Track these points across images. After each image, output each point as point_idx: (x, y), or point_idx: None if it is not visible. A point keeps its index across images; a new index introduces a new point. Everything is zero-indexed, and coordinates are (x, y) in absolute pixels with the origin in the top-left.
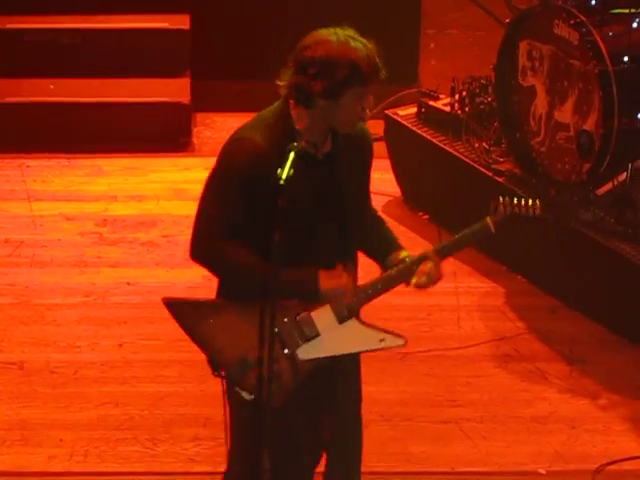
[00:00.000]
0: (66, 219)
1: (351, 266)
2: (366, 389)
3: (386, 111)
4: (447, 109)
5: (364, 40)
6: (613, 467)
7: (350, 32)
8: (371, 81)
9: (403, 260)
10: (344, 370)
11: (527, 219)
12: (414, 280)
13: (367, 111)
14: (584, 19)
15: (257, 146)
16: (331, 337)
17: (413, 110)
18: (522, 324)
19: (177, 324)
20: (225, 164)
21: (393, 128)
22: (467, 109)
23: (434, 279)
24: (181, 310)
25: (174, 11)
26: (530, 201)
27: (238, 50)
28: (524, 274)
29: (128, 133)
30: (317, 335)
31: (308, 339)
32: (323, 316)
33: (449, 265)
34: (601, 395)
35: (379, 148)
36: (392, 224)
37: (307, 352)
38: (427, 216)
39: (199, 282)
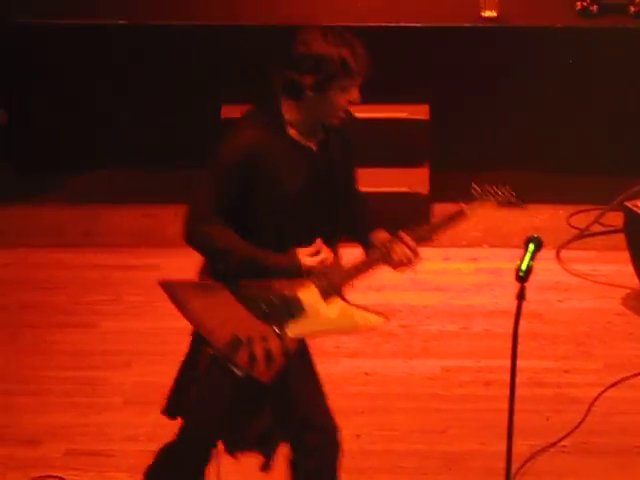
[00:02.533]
0: None
1: (334, 246)
2: None
3: (626, 203)
4: None
5: (353, 38)
6: None
7: (341, 31)
8: (356, 75)
9: (384, 241)
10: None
11: (501, 204)
12: (393, 262)
13: (352, 102)
14: None
15: (249, 137)
16: (317, 315)
17: None
18: None
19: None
20: (220, 153)
21: (633, 220)
22: None
23: (412, 262)
24: (175, 291)
25: (414, 101)
26: (501, 188)
27: (475, 140)
28: None
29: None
30: (304, 313)
31: (295, 317)
32: (309, 294)
33: None
34: None
35: (619, 240)
36: (631, 317)
37: (295, 330)
38: None
39: (437, 373)
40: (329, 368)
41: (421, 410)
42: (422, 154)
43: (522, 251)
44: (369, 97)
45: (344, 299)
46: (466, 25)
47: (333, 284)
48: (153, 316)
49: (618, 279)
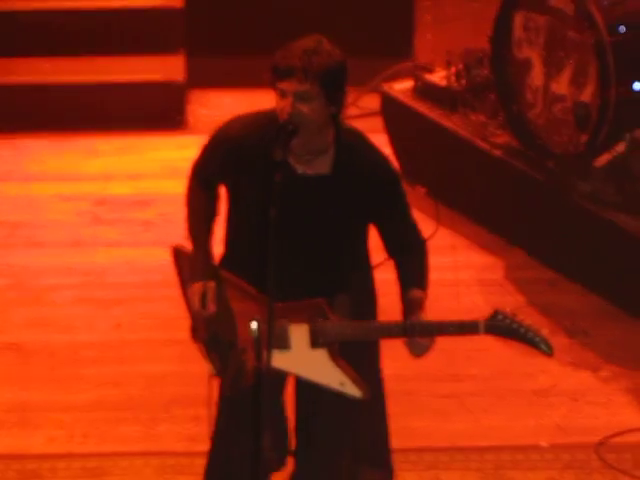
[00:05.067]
0: (62, 199)
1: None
2: None
3: (382, 85)
4: (443, 83)
5: (318, 44)
6: (615, 439)
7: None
8: (281, 77)
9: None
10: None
11: (521, 341)
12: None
13: (289, 112)
14: None
15: (246, 126)
16: (299, 356)
17: (409, 84)
18: (522, 297)
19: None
20: (218, 128)
21: (389, 102)
22: (463, 82)
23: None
24: (184, 262)
25: None
26: (533, 328)
27: (232, 26)
28: (523, 247)
29: (123, 112)
30: (288, 348)
31: (278, 348)
32: (299, 333)
33: (447, 238)
34: (602, 367)
35: (376, 122)
36: None
37: (273, 360)
38: (425, 190)
39: None
40: (88, 258)
41: (182, 297)
42: (177, 41)
43: None
44: None
45: (332, 354)
46: None
47: (327, 335)
48: None
49: None
